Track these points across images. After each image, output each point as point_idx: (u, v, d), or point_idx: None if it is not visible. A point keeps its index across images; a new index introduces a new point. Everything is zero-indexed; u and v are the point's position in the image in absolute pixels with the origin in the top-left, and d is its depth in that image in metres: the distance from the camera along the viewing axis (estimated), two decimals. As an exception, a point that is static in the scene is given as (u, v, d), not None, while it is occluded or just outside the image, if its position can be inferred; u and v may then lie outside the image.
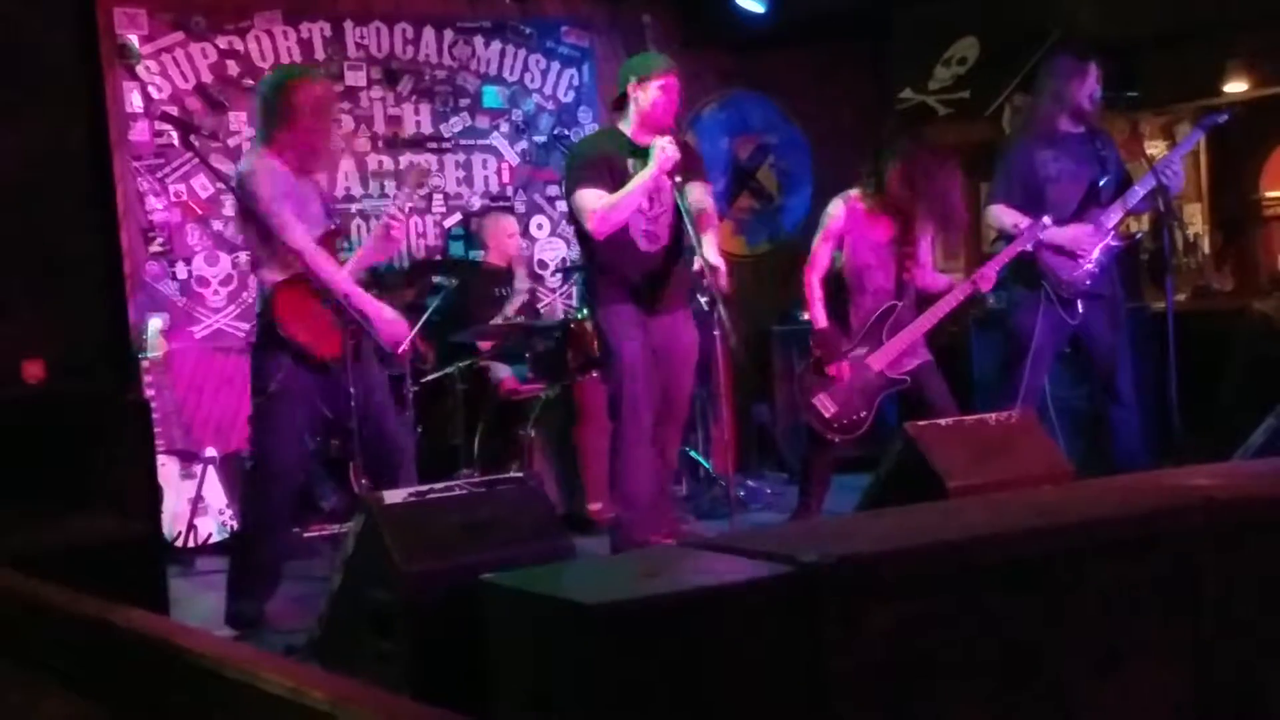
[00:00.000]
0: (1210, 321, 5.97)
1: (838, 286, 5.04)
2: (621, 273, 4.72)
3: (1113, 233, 5.09)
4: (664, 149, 4.48)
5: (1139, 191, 5.03)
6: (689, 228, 4.56)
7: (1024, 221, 4.97)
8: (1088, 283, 5.03)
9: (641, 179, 4.55)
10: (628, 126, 4.74)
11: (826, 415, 4.94)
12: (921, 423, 4.02)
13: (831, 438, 4.96)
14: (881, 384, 4.95)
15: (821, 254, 5.03)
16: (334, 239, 4.36)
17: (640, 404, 4.68)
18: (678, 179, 4.54)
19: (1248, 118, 5.85)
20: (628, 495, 4.71)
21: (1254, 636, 2.52)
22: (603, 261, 4.76)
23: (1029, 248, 4.94)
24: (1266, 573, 2.54)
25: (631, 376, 4.68)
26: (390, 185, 6.43)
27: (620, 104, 4.79)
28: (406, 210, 4.50)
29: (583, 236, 4.82)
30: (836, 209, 5.05)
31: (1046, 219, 4.90)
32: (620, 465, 4.73)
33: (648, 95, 4.65)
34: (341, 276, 4.20)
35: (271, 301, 4.16)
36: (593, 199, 4.60)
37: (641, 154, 4.64)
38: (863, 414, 4.94)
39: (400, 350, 4.74)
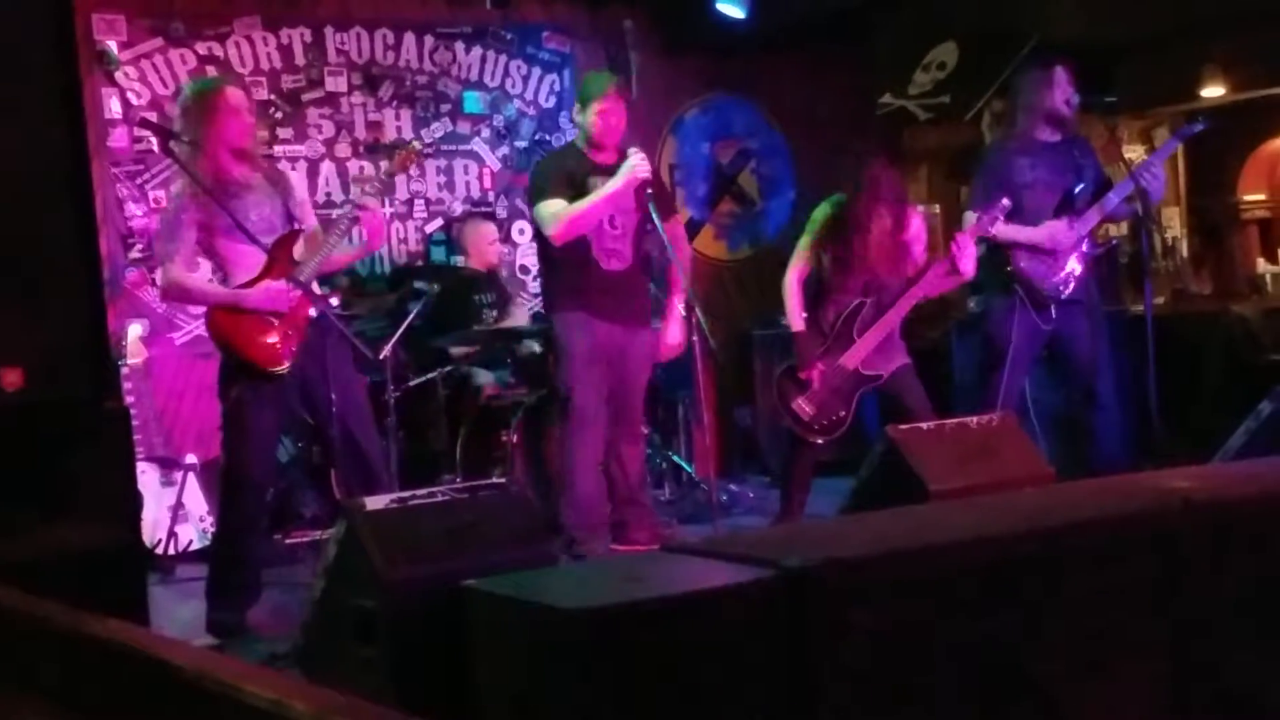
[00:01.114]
0: (1189, 324, 6.01)
1: (817, 288, 5.06)
2: (582, 288, 4.85)
3: (1088, 239, 5.11)
4: (635, 167, 4.65)
5: (1113, 198, 5.06)
6: (667, 245, 4.79)
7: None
8: (1061, 289, 5.05)
9: (609, 189, 4.70)
10: (584, 145, 4.93)
11: (805, 418, 4.96)
12: (903, 426, 4.02)
13: (813, 439, 4.98)
14: (856, 382, 4.96)
15: (803, 259, 5.05)
16: (291, 241, 4.27)
17: (590, 409, 4.80)
18: (649, 190, 4.71)
19: (1225, 122, 5.89)
20: (577, 498, 4.81)
21: (1235, 638, 2.53)
22: (564, 276, 4.90)
23: (991, 231, 4.91)
24: (1247, 574, 2.55)
25: (584, 384, 4.80)
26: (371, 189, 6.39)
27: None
28: (378, 189, 4.51)
29: (544, 250, 4.98)
30: (824, 213, 5.07)
31: (1005, 200, 4.90)
32: (570, 469, 4.82)
33: (588, 118, 4.86)
34: (222, 292, 4.17)
35: (210, 320, 4.18)
36: (554, 208, 4.75)
37: (601, 171, 4.80)
38: (841, 414, 4.96)
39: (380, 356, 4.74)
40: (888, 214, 4.92)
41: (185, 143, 4.16)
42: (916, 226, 5.09)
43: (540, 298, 6.80)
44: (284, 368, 4.15)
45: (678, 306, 5.05)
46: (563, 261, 4.87)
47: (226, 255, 4.19)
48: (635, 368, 4.99)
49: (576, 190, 4.78)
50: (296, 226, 4.30)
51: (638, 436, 5.12)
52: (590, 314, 4.85)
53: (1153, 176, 5.02)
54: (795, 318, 5.03)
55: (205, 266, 4.45)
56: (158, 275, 4.37)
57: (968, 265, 4.84)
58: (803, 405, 4.97)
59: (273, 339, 4.14)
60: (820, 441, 4.99)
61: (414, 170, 6.65)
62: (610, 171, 4.79)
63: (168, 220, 4.22)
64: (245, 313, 4.13)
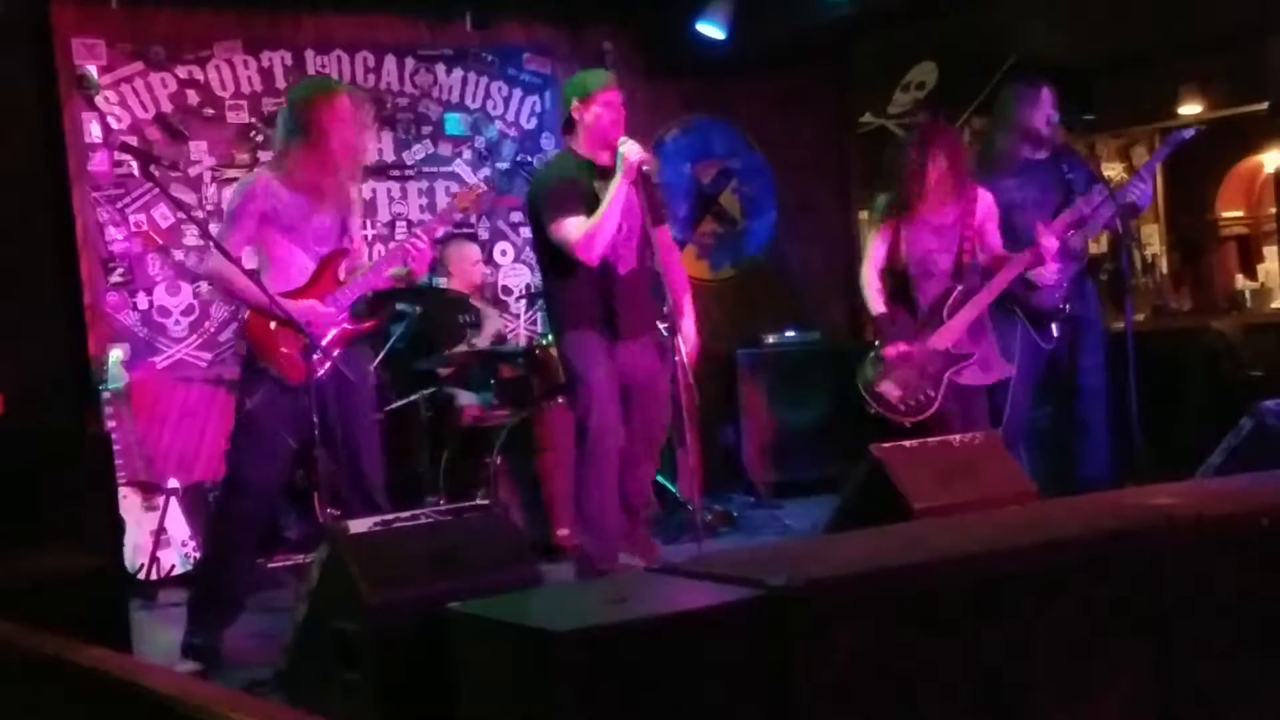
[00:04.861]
0: (1169, 341, 6.04)
1: (903, 278, 5.03)
2: (589, 298, 4.61)
3: (1075, 252, 5.10)
4: (628, 154, 4.43)
5: (1083, 207, 5.03)
6: (655, 250, 4.56)
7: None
8: (1060, 304, 5.06)
9: (614, 189, 4.46)
10: (581, 147, 4.67)
11: (893, 400, 4.95)
12: (887, 445, 4.03)
13: (902, 421, 4.93)
14: (945, 362, 4.93)
15: (877, 249, 5.05)
16: (339, 259, 4.26)
17: (608, 434, 4.58)
18: (646, 168, 4.50)
19: (1203, 139, 5.93)
20: (592, 523, 4.62)
21: (1217, 654, 2.54)
22: (571, 288, 4.65)
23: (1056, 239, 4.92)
24: (1228, 590, 2.56)
25: (601, 407, 4.57)
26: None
27: (569, 127, 4.72)
28: (436, 231, 4.49)
29: (549, 264, 4.73)
30: (885, 200, 5.06)
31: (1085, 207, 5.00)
32: (586, 494, 4.62)
33: (593, 113, 4.59)
34: (261, 296, 4.03)
35: (246, 326, 4.15)
36: (576, 228, 4.49)
37: (603, 173, 4.58)
38: (930, 393, 4.92)
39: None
40: (944, 163, 4.89)
41: (295, 133, 4.12)
42: (986, 204, 5.01)
43: (522, 318, 6.88)
44: (303, 382, 4.10)
45: (686, 306, 4.81)
46: (574, 272, 4.58)
47: (275, 253, 4.12)
48: (652, 378, 4.74)
49: (589, 204, 4.51)
50: (346, 244, 4.30)
51: (655, 452, 4.85)
52: (602, 330, 4.60)
53: (1141, 180, 5.05)
54: (875, 302, 5.03)
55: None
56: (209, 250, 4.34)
57: (1051, 253, 4.85)
58: (889, 389, 4.96)
59: (297, 353, 4.08)
60: (908, 424, 4.92)
61: (395, 192, 6.66)
62: (613, 174, 4.54)
63: (232, 205, 4.13)
64: (279, 320, 4.05)
